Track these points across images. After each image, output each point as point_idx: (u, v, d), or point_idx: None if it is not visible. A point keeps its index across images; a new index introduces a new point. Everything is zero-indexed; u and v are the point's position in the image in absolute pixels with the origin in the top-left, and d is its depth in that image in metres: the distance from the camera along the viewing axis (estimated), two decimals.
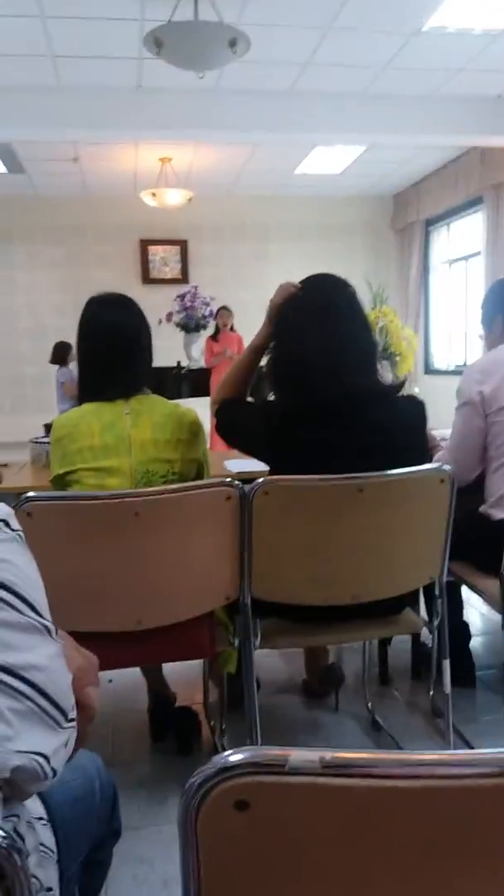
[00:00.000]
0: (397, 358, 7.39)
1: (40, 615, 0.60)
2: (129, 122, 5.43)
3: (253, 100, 5.45)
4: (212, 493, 1.51)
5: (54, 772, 0.59)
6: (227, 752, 0.49)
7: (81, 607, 1.49)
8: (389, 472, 1.60)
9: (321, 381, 1.60)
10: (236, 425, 1.78)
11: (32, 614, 0.59)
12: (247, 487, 1.53)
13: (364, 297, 5.50)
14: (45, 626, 0.61)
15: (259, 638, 1.68)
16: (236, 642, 1.69)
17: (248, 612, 1.62)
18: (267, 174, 7.79)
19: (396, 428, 1.68)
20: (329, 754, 0.46)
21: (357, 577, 1.66)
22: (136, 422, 1.73)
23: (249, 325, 7.28)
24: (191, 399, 6.80)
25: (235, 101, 5.43)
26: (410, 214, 8.66)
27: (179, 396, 6.77)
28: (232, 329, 7.08)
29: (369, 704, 2.30)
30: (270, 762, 0.47)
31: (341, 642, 2.20)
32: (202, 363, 7.08)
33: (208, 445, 1.89)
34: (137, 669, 2.18)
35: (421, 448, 1.76)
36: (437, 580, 1.77)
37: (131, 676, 2.31)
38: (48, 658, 0.60)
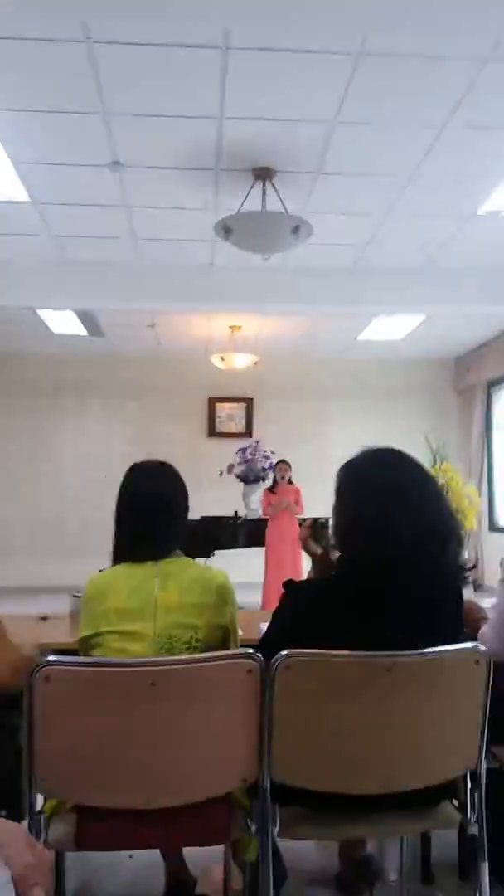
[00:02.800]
0: (459, 516, 7.29)
1: None
2: (202, 296, 5.94)
3: (316, 276, 5.89)
4: (231, 665, 1.48)
5: None
6: None
7: (91, 780, 1.45)
8: (419, 650, 1.55)
9: (382, 560, 1.56)
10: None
11: None
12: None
13: (424, 455, 5.51)
14: None
15: (278, 826, 1.58)
16: (254, 829, 1.59)
17: (267, 796, 1.53)
18: (330, 341, 8.24)
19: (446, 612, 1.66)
20: None
21: (385, 765, 1.56)
22: (165, 585, 1.75)
23: (307, 478, 7.44)
24: (247, 549, 6.82)
25: (300, 278, 5.87)
26: (472, 376, 8.84)
27: (235, 545, 6.81)
28: (290, 481, 7.19)
29: None
30: None
31: (368, 836, 2.03)
32: (259, 513, 7.16)
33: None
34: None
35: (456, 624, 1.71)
36: (475, 770, 1.65)
37: (151, 855, 2.18)
38: None
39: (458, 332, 8.03)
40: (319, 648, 1.52)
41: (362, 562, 1.60)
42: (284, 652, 1.50)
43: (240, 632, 1.91)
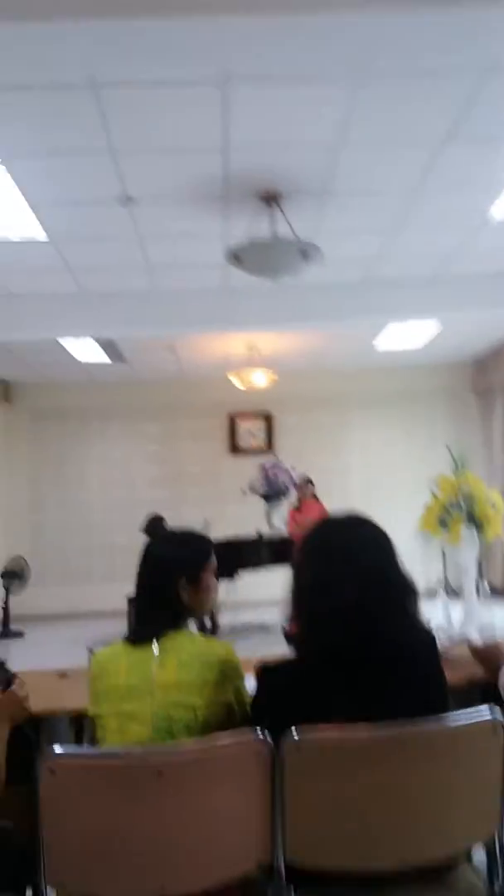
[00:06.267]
0: (484, 523, 7.14)
1: None
2: (217, 319, 5.94)
3: (328, 292, 5.85)
4: (239, 749, 1.46)
5: None
6: None
7: (102, 871, 1.43)
8: (430, 722, 1.51)
9: (337, 624, 1.57)
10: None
11: None
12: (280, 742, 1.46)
13: (445, 462, 5.44)
14: None
15: None
16: None
17: (282, 878, 1.50)
18: (345, 351, 8.18)
19: (410, 674, 1.62)
20: None
21: (402, 840, 1.52)
22: (163, 661, 1.71)
23: (330, 490, 7.42)
24: (273, 566, 6.79)
25: (313, 295, 5.83)
26: (491, 377, 8.74)
27: (258, 565, 6.77)
28: (314, 496, 7.14)
29: None
30: None
31: None
32: (284, 531, 7.12)
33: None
34: None
35: (436, 682, 1.67)
36: (497, 839, 1.60)
37: None
38: None
39: (475, 335, 7.92)
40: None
41: (318, 626, 1.60)
42: (294, 734, 1.47)
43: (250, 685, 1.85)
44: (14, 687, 1.81)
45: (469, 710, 1.59)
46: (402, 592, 1.66)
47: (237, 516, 7.51)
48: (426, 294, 5.92)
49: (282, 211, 4.33)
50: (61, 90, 3.09)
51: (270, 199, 4.29)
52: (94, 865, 1.42)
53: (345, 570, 1.60)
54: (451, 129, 3.59)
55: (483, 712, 1.57)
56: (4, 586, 7.65)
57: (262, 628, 6.15)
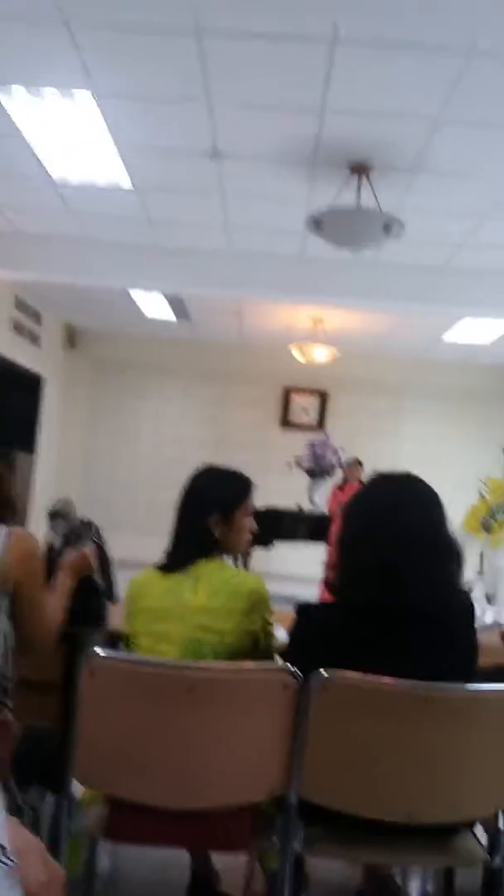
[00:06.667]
0: None
1: None
2: (290, 287, 5.90)
3: (407, 273, 5.76)
4: (269, 680, 1.49)
5: None
6: None
7: (124, 774, 1.49)
8: (457, 685, 1.51)
9: (367, 581, 1.59)
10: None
11: None
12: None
13: (496, 466, 5.32)
14: None
15: (301, 842, 1.57)
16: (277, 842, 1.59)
17: (293, 812, 1.53)
18: (411, 340, 8.05)
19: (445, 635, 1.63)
20: None
21: (413, 796, 1.54)
22: (195, 586, 1.76)
23: None
24: (308, 541, 6.80)
25: (390, 274, 5.75)
26: None
27: (295, 538, 6.80)
28: (360, 481, 7.11)
29: None
30: None
31: (389, 863, 2.00)
32: (324, 509, 7.12)
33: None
34: None
35: (467, 647, 1.67)
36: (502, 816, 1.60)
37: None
38: None
39: None
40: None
41: (361, 577, 1.62)
42: (323, 673, 1.49)
43: (279, 634, 1.89)
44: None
45: (498, 685, 1.59)
46: (442, 556, 1.65)
47: (280, 489, 7.50)
48: None
49: (369, 182, 4.26)
50: (164, 34, 3.07)
51: (360, 169, 4.22)
52: (119, 766, 1.48)
53: (381, 530, 1.62)
54: None
55: None
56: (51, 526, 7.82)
57: (290, 601, 6.19)
